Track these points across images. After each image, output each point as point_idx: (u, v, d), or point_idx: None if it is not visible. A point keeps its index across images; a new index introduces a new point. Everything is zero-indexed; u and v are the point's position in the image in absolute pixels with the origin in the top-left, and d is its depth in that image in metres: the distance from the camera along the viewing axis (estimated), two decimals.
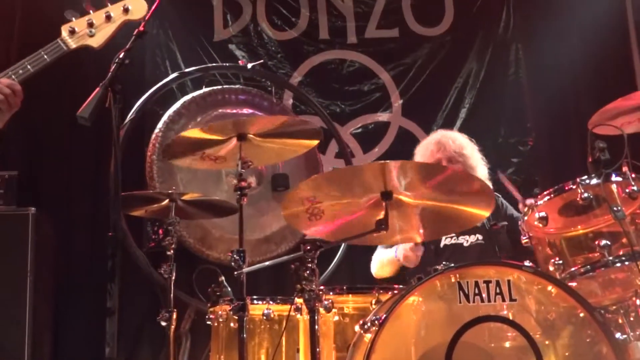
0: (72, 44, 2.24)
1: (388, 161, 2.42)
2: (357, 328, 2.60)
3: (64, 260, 4.49)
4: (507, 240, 3.45)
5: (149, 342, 4.45)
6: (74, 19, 2.26)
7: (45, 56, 2.19)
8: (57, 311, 4.40)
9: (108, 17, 2.27)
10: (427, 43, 5.38)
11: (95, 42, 2.27)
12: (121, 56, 2.49)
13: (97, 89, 2.41)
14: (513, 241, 3.36)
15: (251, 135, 2.89)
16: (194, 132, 2.95)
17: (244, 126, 2.83)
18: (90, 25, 2.26)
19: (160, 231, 4.35)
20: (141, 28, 2.66)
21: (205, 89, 4.56)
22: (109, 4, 2.32)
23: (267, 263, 2.74)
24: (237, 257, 2.73)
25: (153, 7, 2.81)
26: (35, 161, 4.66)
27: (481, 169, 3.66)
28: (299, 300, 2.89)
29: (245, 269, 2.68)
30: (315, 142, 2.98)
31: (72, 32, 2.23)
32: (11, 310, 3.84)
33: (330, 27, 5.37)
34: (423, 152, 3.68)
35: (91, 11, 2.29)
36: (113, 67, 2.48)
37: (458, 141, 3.64)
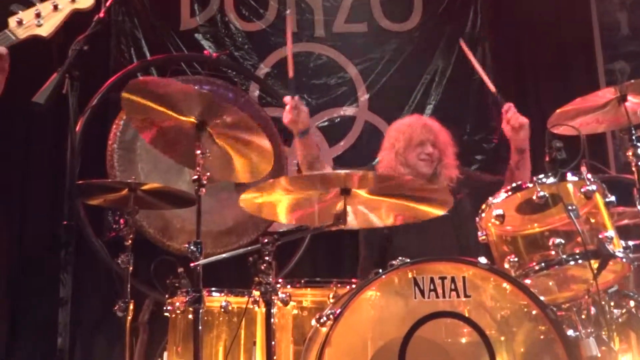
0: (21, 34, 2.23)
1: (349, 171, 2.44)
2: (313, 322, 2.60)
3: (20, 250, 4.40)
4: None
5: (107, 333, 4.40)
6: (20, 11, 2.24)
7: None
8: (12, 303, 4.32)
9: (55, 7, 2.28)
10: (395, 39, 5.39)
11: (45, 31, 2.27)
12: (79, 42, 2.46)
13: (54, 74, 2.37)
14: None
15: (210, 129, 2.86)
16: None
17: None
18: (38, 15, 2.26)
19: (122, 221, 4.29)
20: (101, 15, 2.63)
21: (170, 78, 4.50)
22: None
23: (224, 255, 2.71)
24: (194, 249, 2.70)
25: None
26: None
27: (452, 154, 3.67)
28: (256, 293, 2.88)
29: (202, 261, 2.66)
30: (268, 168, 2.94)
31: (20, 22, 2.23)
32: None
33: (299, 20, 5.34)
34: (407, 131, 3.62)
35: (37, 2, 2.26)
36: (71, 53, 2.45)
37: (438, 126, 3.67)
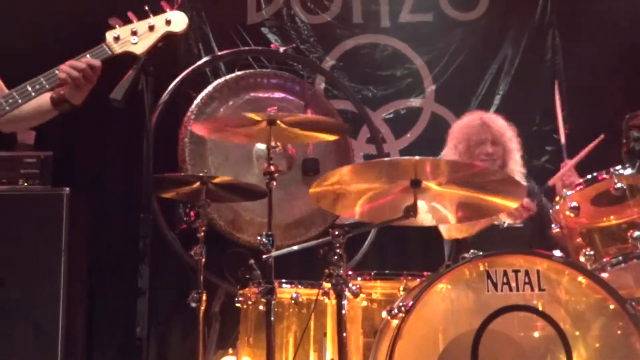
0: (117, 49, 2.31)
1: (421, 158, 2.41)
2: (384, 314, 2.61)
3: (98, 240, 4.55)
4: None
5: (180, 323, 4.51)
6: (117, 26, 2.32)
7: (90, 59, 2.27)
8: (90, 290, 4.47)
9: (151, 28, 2.34)
10: (462, 28, 5.30)
11: (139, 49, 2.34)
12: None
13: (130, 71, 2.44)
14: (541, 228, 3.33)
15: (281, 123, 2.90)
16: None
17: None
18: (134, 33, 2.32)
19: (192, 213, 4.39)
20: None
21: (237, 72, 4.56)
22: (151, 15, 2.36)
23: (295, 247, 2.75)
24: (266, 241, 2.75)
25: None
26: (71, 142, 4.72)
27: (516, 155, 3.63)
28: (326, 285, 2.90)
29: (274, 253, 2.70)
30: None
31: (117, 38, 2.30)
32: (46, 288, 3.92)
33: (364, 11, 5.32)
34: (466, 131, 3.62)
35: (134, 20, 2.34)
36: None
37: (500, 123, 3.63)
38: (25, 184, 4.15)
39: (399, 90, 5.24)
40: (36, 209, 4.05)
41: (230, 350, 3.59)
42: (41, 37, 4.65)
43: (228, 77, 4.53)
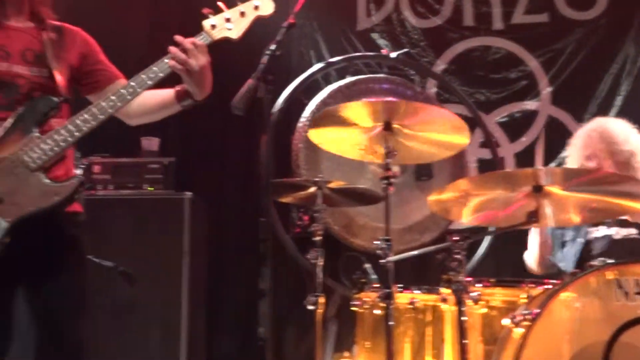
0: (215, 35, 2.41)
1: (540, 168, 2.36)
2: (506, 322, 2.56)
3: (216, 242, 4.71)
4: None
5: (295, 325, 4.59)
6: (211, 15, 2.41)
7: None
8: (209, 292, 4.63)
9: (242, 14, 2.44)
10: (579, 28, 5.12)
11: (234, 34, 2.44)
12: (272, 47, 2.60)
13: (250, 79, 2.52)
14: None
15: (396, 126, 2.88)
16: (344, 109, 2.97)
17: (392, 112, 2.81)
18: (228, 20, 2.42)
19: (305, 217, 4.46)
20: (291, 20, 2.75)
21: (350, 78, 4.60)
22: (239, 3, 2.45)
23: (415, 252, 2.74)
24: (384, 246, 2.75)
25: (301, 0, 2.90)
26: (192, 148, 4.91)
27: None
28: (445, 291, 2.88)
29: (393, 258, 2.70)
30: (464, 142, 2.91)
31: (214, 26, 2.40)
32: (169, 288, 4.10)
33: (475, 14, 5.24)
34: (584, 141, 3.50)
35: (225, 9, 2.44)
36: (264, 58, 2.59)
37: (622, 132, 3.45)
38: (150, 189, 4.37)
39: (512, 93, 5.13)
40: (160, 212, 4.24)
41: (347, 354, 3.61)
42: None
43: (341, 82, 4.57)
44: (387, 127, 2.86)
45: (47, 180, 2.18)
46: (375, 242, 2.80)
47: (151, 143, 4.56)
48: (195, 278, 4.22)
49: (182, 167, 4.57)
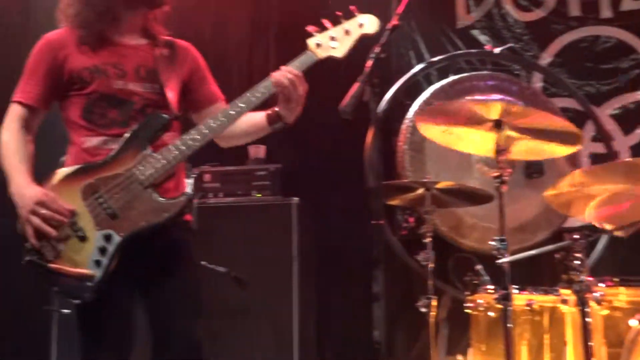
0: (320, 54, 2.43)
1: None
2: (633, 323, 2.44)
3: (325, 246, 4.75)
4: None
5: (406, 328, 4.55)
6: (316, 34, 2.43)
7: (300, 65, 2.41)
8: (319, 296, 4.67)
9: (347, 32, 2.45)
10: None
11: (339, 52, 2.46)
12: (377, 51, 2.60)
13: (357, 83, 2.53)
14: None
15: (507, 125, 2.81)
16: (454, 105, 2.92)
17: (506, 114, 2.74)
18: (332, 39, 2.43)
19: (411, 219, 4.43)
20: (395, 22, 2.75)
21: (452, 77, 4.54)
22: (343, 21, 2.45)
23: (532, 252, 2.66)
24: (499, 246, 2.68)
25: (405, 1, 2.88)
26: (297, 154, 4.97)
27: None
28: (565, 292, 2.79)
29: (509, 258, 2.63)
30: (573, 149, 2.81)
31: (318, 44, 2.42)
32: (279, 294, 4.17)
33: (582, 3, 5.04)
34: None
35: (330, 26, 2.45)
36: (370, 61, 2.59)
37: None
38: (258, 195, 4.47)
39: (625, 84, 4.90)
40: (268, 218, 4.33)
41: (460, 357, 3.56)
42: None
43: (444, 82, 4.52)
44: (498, 125, 2.79)
45: (158, 197, 2.27)
46: (490, 242, 2.74)
47: (258, 150, 4.66)
48: (305, 282, 4.27)
49: (288, 172, 4.64)
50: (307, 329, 4.31)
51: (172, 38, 2.61)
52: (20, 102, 2.37)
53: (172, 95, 2.44)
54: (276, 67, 2.45)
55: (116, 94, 2.36)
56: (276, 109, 2.46)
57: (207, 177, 4.55)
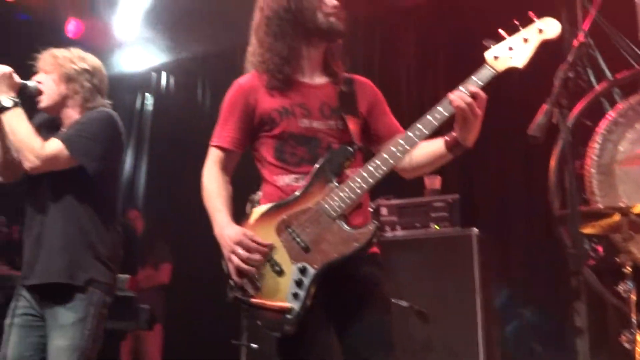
0: (499, 67, 2.32)
1: None
2: None
3: (506, 278, 4.56)
4: None
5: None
6: (492, 46, 2.32)
7: (478, 81, 2.30)
8: (503, 330, 4.48)
9: (525, 40, 2.31)
10: None
11: (519, 62, 2.32)
12: (564, 70, 2.46)
13: (544, 105, 2.40)
14: None
15: None
16: None
17: None
18: (510, 49, 2.31)
19: (599, 248, 4.14)
20: (581, 39, 2.60)
21: None
22: (521, 28, 2.32)
23: None
24: None
25: (591, 16, 2.72)
26: (471, 183, 4.86)
27: None
28: None
29: None
30: None
31: (496, 57, 2.31)
32: (463, 327, 4.04)
33: None
34: None
35: (506, 36, 2.33)
36: (557, 82, 2.46)
37: None
38: (437, 227, 4.40)
39: None
40: (448, 250, 4.24)
41: None
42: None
43: (631, 99, 4.23)
44: None
45: (348, 228, 2.27)
46: None
47: (434, 181, 4.60)
48: (488, 315, 4.11)
49: (465, 203, 4.53)
50: None
51: (351, 74, 2.64)
52: (218, 146, 2.49)
53: (354, 128, 2.46)
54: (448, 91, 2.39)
55: (303, 133, 2.42)
56: (453, 133, 2.39)
57: (383, 210, 4.55)
